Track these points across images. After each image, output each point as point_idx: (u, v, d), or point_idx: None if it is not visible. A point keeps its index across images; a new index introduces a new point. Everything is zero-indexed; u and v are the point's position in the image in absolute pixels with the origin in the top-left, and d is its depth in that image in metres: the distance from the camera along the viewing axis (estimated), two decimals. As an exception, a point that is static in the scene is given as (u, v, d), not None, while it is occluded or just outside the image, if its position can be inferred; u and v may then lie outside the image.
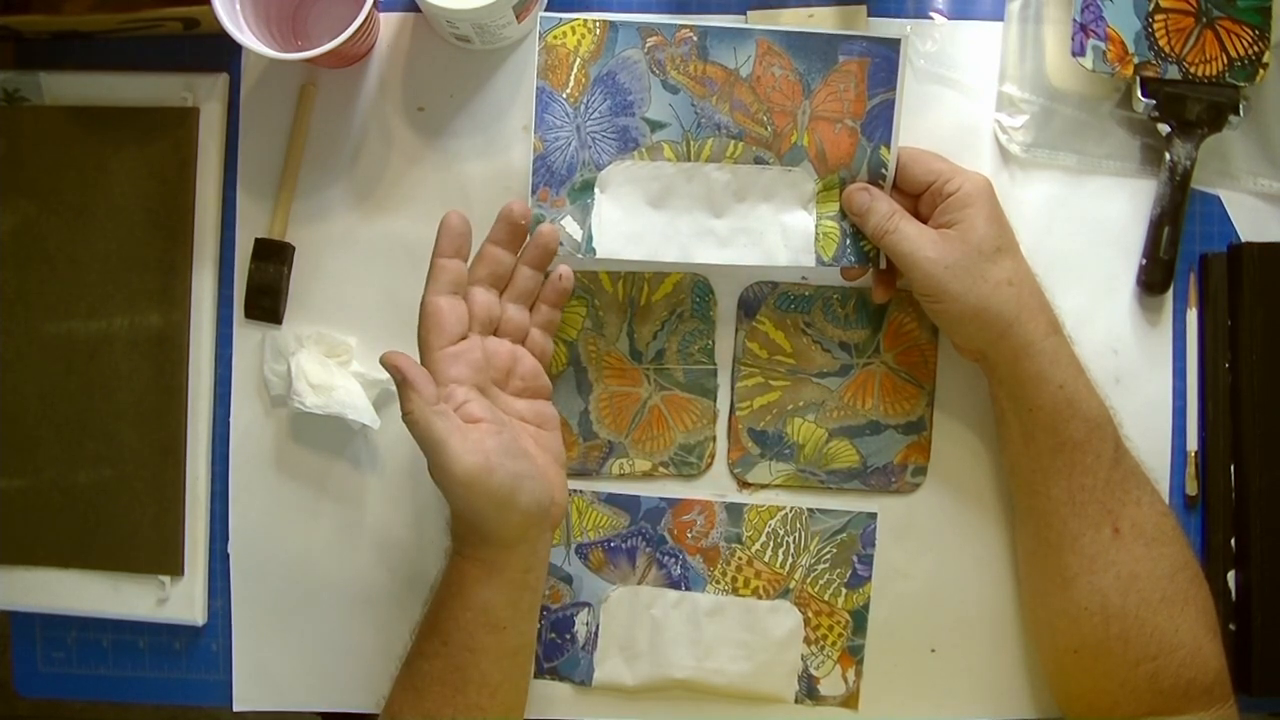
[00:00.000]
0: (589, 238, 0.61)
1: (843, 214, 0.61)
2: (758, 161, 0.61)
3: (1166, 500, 0.64)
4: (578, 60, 0.60)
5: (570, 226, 0.61)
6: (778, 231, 0.61)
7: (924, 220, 0.60)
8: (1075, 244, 0.65)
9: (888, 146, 0.61)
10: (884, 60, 0.60)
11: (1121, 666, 0.56)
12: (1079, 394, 0.57)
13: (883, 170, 0.61)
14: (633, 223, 0.61)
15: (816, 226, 0.62)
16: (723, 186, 0.61)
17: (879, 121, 0.60)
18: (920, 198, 0.61)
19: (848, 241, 0.61)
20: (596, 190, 0.61)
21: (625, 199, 0.61)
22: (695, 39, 0.60)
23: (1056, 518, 0.58)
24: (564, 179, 0.61)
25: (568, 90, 0.61)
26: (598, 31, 0.60)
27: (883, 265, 0.61)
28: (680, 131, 0.61)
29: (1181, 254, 0.64)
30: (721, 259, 0.61)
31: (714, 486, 0.65)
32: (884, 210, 0.59)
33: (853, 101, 0.60)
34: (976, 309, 0.58)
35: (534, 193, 0.61)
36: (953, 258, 0.57)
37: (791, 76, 0.60)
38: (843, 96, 0.60)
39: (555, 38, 0.60)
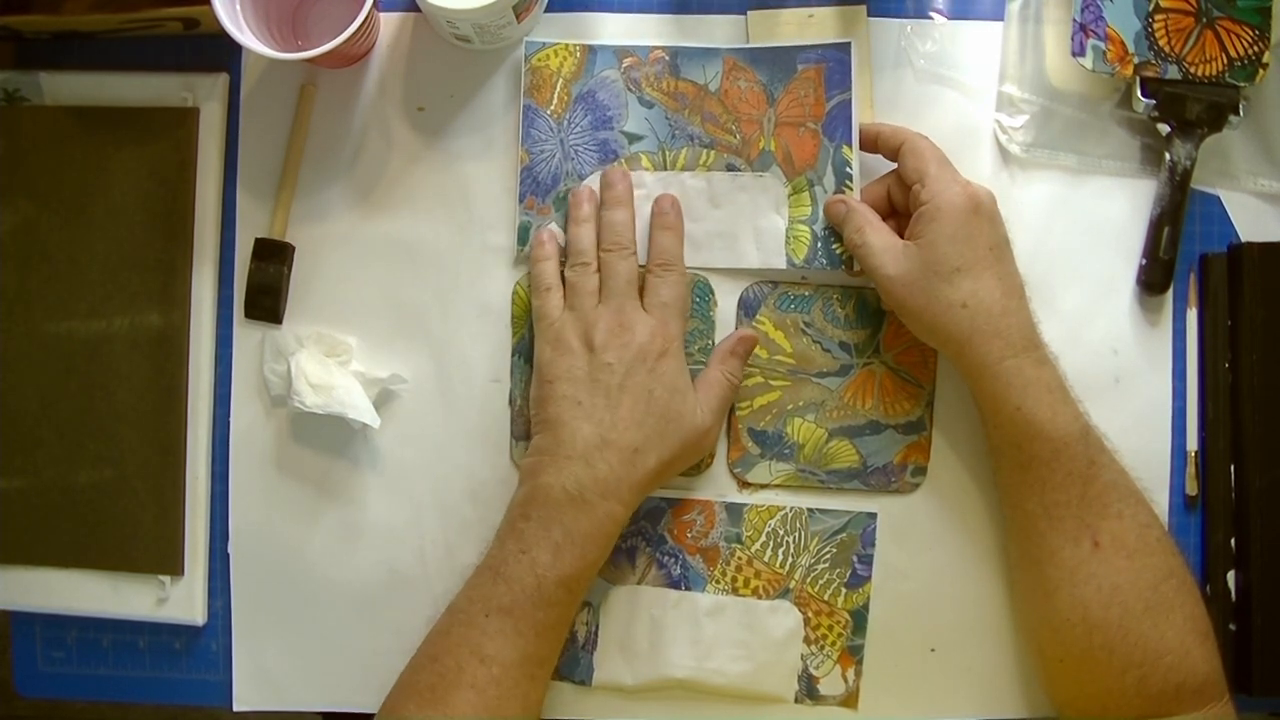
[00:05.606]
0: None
1: (814, 217, 0.63)
2: (729, 168, 0.64)
3: (1166, 501, 0.65)
4: (560, 80, 0.64)
5: (555, 233, 0.64)
6: (750, 235, 0.64)
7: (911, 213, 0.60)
8: (1075, 244, 0.65)
9: (849, 146, 0.63)
10: (838, 63, 0.64)
11: (1107, 675, 0.56)
12: (1039, 415, 0.57)
13: (847, 169, 0.63)
14: None
15: (787, 230, 0.64)
16: (697, 193, 0.64)
17: (839, 122, 0.63)
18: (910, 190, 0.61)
19: (819, 245, 0.63)
20: None
21: None
22: (667, 59, 0.65)
23: (1035, 531, 0.58)
24: (549, 188, 0.65)
25: (551, 107, 0.65)
26: (578, 54, 0.65)
27: (856, 269, 0.62)
28: (656, 143, 0.64)
29: (1181, 254, 0.64)
30: (696, 262, 0.65)
31: (714, 486, 0.65)
32: (855, 223, 0.61)
33: (813, 105, 0.64)
34: (931, 327, 0.59)
35: (521, 201, 0.65)
36: (910, 276, 0.58)
37: (756, 88, 0.64)
38: (803, 101, 0.64)
39: (539, 60, 0.65)
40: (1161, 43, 0.63)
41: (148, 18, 0.63)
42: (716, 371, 0.62)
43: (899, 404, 0.65)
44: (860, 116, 0.64)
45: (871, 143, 0.63)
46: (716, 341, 0.65)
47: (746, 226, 0.64)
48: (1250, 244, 0.64)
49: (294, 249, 0.66)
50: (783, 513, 0.64)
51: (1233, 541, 0.64)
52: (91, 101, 0.65)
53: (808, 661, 0.64)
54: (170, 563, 0.65)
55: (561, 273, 0.63)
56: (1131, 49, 0.63)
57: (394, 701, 0.58)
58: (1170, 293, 0.65)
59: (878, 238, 0.60)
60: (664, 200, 0.64)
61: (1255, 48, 0.63)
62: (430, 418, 0.66)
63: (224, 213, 0.66)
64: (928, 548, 0.65)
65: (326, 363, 0.63)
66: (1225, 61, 0.63)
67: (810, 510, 0.64)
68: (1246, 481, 0.64)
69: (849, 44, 0.64)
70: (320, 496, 0.66)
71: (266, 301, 0.65)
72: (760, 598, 0.64)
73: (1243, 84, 0.63)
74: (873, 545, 0.64)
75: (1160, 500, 0.64)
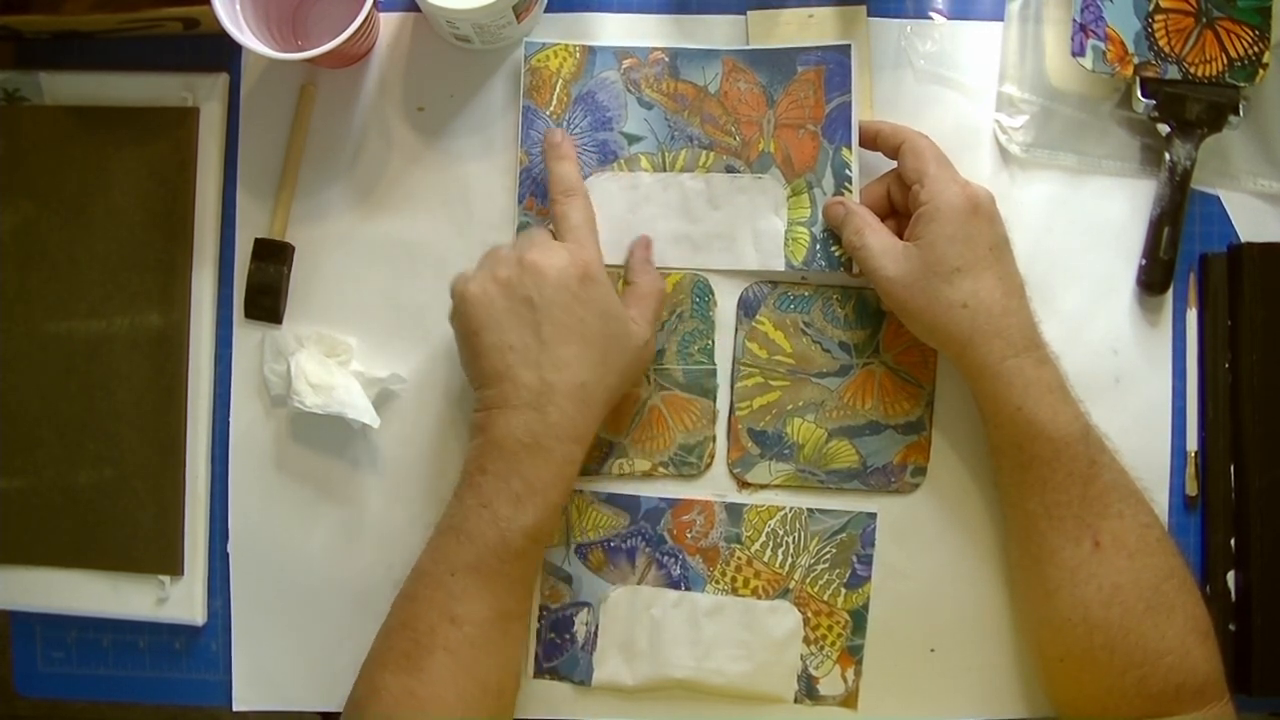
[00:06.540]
0: None
1: (813, 219, 0.63)
2: (729, 170, 0.64)
3: (1166, 501, 0.65)
4: (560, 81, 0.65)
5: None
6: (749, 236, 0.64)
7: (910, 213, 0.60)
8: (1075, 244, 0.65)
9: (849, 148, 0.63)
10: (838, 65, 0.64)
11: (1108, 675, 0.56)
12: (1040, 415, 0.57)
13: (846, 171, 0.63)
14: (613, 230, 0.64)
15: (786, 232, 0.64)
16: (697, 194, 0.64)
17: (838, 124, 0.63)
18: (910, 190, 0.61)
19: (817, 246, 0.64)
20: None
21: (605, 208, 0.64)
22: (667, 60, 0.65)
23: (1035, 531, 0.58)
24: (548, 189, 0.63)
25: (551, 108, 0.65)
26: (578, 55, 0.65)
27: (855, 271, 0.62)
28: (656, 144, 0.65)
29: (1181, 254, 0.64)
30: (695, 263, 0.65)
31: (714, 486, 0.65)
32: (853, 225, 0.61)
33: (812, 107, 0.64)
34: (931, 328, 0.59)
35: (520, 202, 0.65)
36: (911, 277, 0.58)
37: (755, 89, 0.64)
38: (803, 103, 0.64)
39: (539, 60, 0.65)
40: (1161, 43, 0.63)
41: (148, 18, 0.63)
42: (643, 282, 0.62)
43: (899, 404, 0.64)
44: (860, 117, 0.64)
45: (871, 140, 0.63)
46: (716, 342, 0.65)
47: (745, 228, 0.64)
48: (1250, 244, 0.64)
49: (294, 249, 0.66)
50: (782, 513, 0.64)
51: (1233, 541, 0.64)
52: (91, 101, 0.66)
53: (807, 661, 0.64)
54: (170, 563, 0.65)
55: None
56: (1131, 49, 0.63)
57: (370, 671, 0.57)
58: (1170, 293, 0.65)
59: (877, 239, 0.60)
60: (554, 133, 0.63)
61: (1255, 48, 0.63)
62: (430, 418, 0.65)
63: (224, 213, 0.66)
64: (928, 548, 0.65)
65: (326, 363, 0.63)
66: (1225, 61, 0.63)
67: (810, 510, 0.64)
68: (1246, 481, 0.64)
69: (849, 46, 0.64)
70: (320, 496, 0.66)
71: (266, 301, 0.65)
72: (760, 598, 0.64)
73: (1243, 84, 0.63)
74: (872, 545, 0.64)
75: (1160, 500, 0.64)
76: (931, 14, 0.66)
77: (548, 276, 0.56)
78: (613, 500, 0.65)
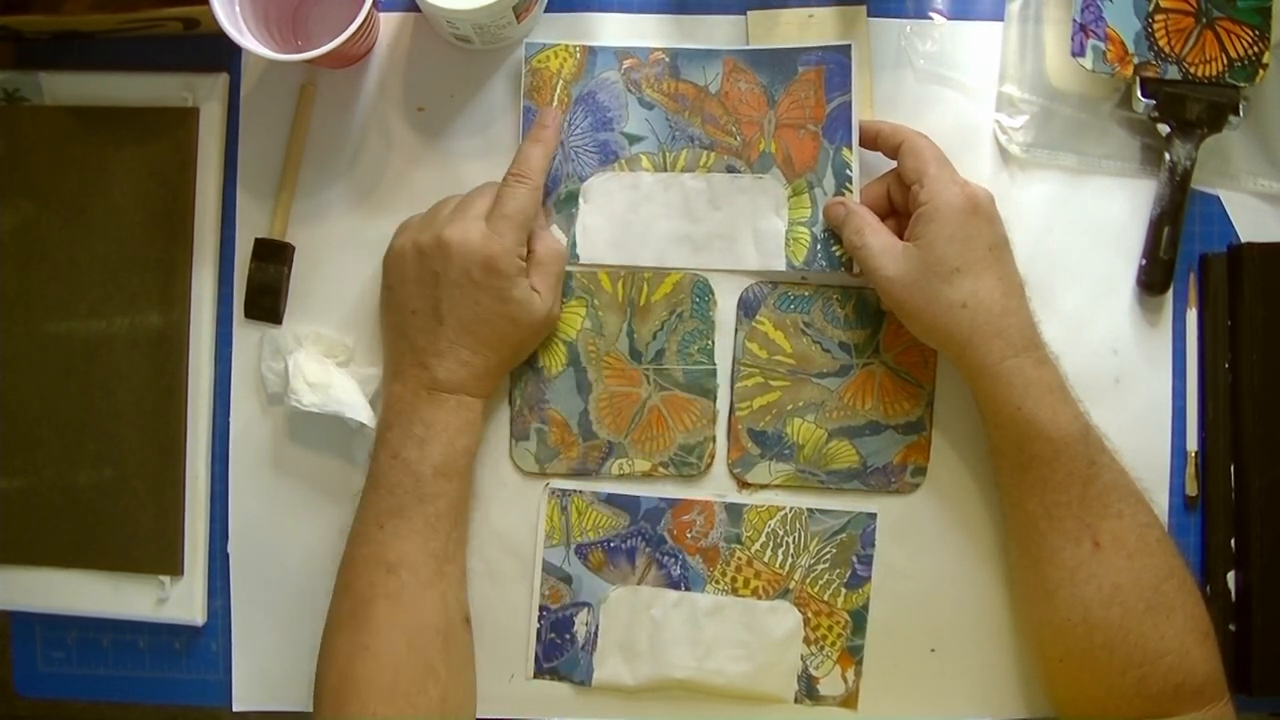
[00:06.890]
0: (573, 244, 0.65)
1: (813, 219, 0.64)
2: (729, 170, 0.64)
3: (1166, 501, 0.65)
4: (560, 81, 0.65)
5: (556, 233, 0.65)
6: (749, 236, 0.64)
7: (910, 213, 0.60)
8: (1075, 244, 0.65)
9: (849, 148, 0.63)
10: (838, 65, 0.64)
11: (1108, 674, 0.56)
12: (1039, 415, 0.57)
13: (847, 171, 0.63)
14: (614, 230, 0.65)
15: (787, 232, 0.64)
16: (697, 194, 0.64)
17: (839, 124, 0.63)
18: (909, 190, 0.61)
19: (818, 247, 0.64)
20: (580, 200, 0.65)
21: (607, 208, 0.65)
22: (667, 60, 0.65)
23: (1035, 531, 0.58)
24: (550, 190, 0.64)
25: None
26: (578, 55, 0.65)
27: (855, 271, 0.62)
28: (656, 144, 0.65)
29: (1181, 254, 0.64)
30: (695, 263, 0.65)
31: (714, 487, 0.65)
32: (854, 225, 0.61)
33: (813, 107, 0.64)
34: (931, 328, 0.59)
35: None
36: (910, 277, 0.58)
37: (756, 89, 0.64)
38: (804, 103, 0.64)
39: (539, 61, 0.65)
40: (1161, 43, 0.63)
41: (148, 18, 0.63)
42: (541, 249, 0.61)
43: (899, 404, 0.64)
44: (860, 117, 0.64)
45: (871, 140, 0.63)
46: (716, 342, 0.65)
47: (746, 228, 0.64)
48: (1250, 244, 0.64)
49: (294, 249, 0.66)
50: (782, 513, 0.64)
51: (1233, 541, 0.64)
52: (91, 101, 0.65)
53: (807, 662, 0.64)
54: (170, 563, 0.65)
55: None
56: (1131, 49, 0.63)
57: (324, 642, 0.59)
58: (1170, 293, 0.65)
59: (877, 239, 0.60)
60: (547, 113, 0.63)
61: (1255, 48, 0.63)
62: (430, 418, 0.66)
63: (224, 213, 0.66)
64: (928, 548, 0.65)
65: (324, 362, 0.63)
66: (1225, 62, 0.63)
67: (810, 510, 0.64)
68: (1246, 481, 0.64)
69: (849, 46, 0.64)
70: (319, 496, 0.66)
71: (266, 301, 0.65)
72: (760, 598, 0.64)
73: (1243, 84, 0.63)
74: (872, 545, 0.64)
75: (1160, 500, 0.64)
76: (931, 14, 0.66)
77: (453, 260, 0.58)
78: (613, 500, 0.65)
